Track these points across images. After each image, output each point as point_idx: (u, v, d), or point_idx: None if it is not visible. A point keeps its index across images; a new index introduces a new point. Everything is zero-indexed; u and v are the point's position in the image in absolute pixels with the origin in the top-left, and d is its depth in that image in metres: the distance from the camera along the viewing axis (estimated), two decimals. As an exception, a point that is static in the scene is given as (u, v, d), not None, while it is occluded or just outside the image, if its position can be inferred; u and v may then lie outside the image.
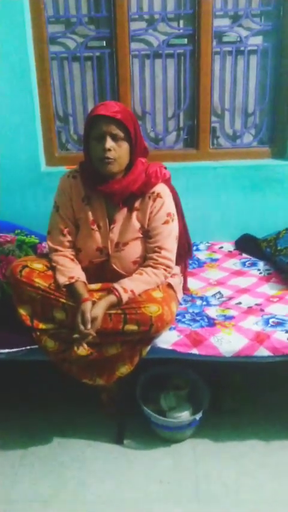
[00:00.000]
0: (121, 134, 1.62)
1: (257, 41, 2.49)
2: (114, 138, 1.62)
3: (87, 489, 1.71)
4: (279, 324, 1.79)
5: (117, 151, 1.63)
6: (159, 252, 1.75)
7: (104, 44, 2.48)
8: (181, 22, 2.48)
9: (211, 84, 2.52)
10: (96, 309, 1.63)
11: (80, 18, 2.45)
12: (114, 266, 1.79)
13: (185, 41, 2.47)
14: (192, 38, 2.46)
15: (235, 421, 1.99)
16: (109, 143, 1.61)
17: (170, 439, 1.91)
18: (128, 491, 1.70)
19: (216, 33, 2.45)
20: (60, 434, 1.95)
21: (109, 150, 1.61)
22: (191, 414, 1.89)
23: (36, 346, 1.75)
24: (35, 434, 1.96)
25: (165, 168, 1.81)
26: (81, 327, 1.60)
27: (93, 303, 1.65)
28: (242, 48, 2.49)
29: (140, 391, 1.96)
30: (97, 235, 1.78)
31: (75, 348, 1.65)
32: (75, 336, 1.62)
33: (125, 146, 1.65)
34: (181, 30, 2.48)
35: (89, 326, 1.60)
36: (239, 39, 2.48)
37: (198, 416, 1.85)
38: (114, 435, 1.92)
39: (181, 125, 2.66)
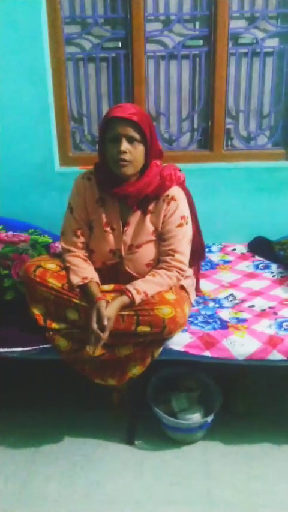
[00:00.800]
0: (137, 136, 1.62)
1: (273, 42, 2.48)
2: (130, 140, 1.62)
3: (97, 489, 1.72)
4: (293, 327, 1.78)
5: (133, 153, 1.63)
6: (173, 255, 1.74)
7: (120, 45, 2.49)
8: (197, 23, 2.48)
9: (226, 86, 2.51)
10: (109, 309, 1.63)
11: (96, 19, 2.46)
12: (127, 268, 1.79)
13: (201, 42, 2.47)
14: (208, 40, 2.46)
15: (247, 424, 1.98)
16: (124, 145, 1.61)
17: (181, 441, 1.91)
18: (138, 492, 1.71)
19: (232, 35, 2.45)
20: (71, 434, 1.96)
21: (124, 152, 1.61)
22: (203, 416, 1.89)
23: (49, 345, 1.76)
24: (46, 433, 1.97)
25: (180, 170, 1.80)
26: (95, 326, 1.60)
27: (107, 302, 1.66)
28: (258, 50, 2.48)
29: (152, 392, 1.96)
30: (110, 237, 1.78)
31: (88, 349, 1.64)
32: (92, 341, 1.62)
33: (140, 148, 1.65)
34: (197, 32, 2.47)
35: (105, 322, 1.59)
36: (255, 41, 2.46)
37: (209, 419, 1.85)
38: (125, 436, 1.92)
39: (195, 126, 2.65)
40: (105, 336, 1.60)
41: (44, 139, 2.54)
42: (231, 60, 2.50)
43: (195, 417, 1.88)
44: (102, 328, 1.60)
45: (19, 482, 1.76)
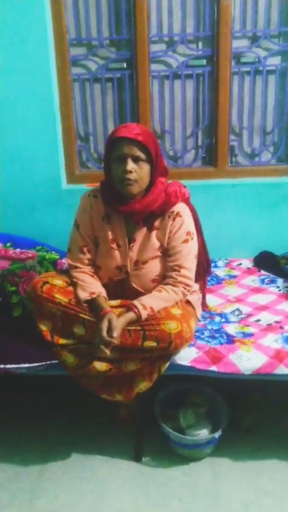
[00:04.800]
0: (142, 156, 1.64)
1: (275, 61, 2.53)
2: (136, 159, 1.64)
3: (105, 506, 1.71)
4: (299, 342, 1.78)
5: (138, 172, 1.66)
6: (179, 271, 1.76)
7: (125, 66, 2.55)
8: (200, 44, 2.54)
9: (229, 104, 2.56)
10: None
11: (101, 41, 2.53)
12: (133, 284, 1.81)
13: (204, 62, 2.52)
14: (211, 59, 2.51)
15: (255, 440, 1.97)
16: (130, 165, 1.63)
17: (188, 457, 1.89)
18: (146, 508, 1.69)
19: (234, 54, 2.50)
20: (79, 450, 1.96)
21: (130, 171, 1.63)
22: (210, 432, 1.88)
23: (56, 361, 1.77)
24: (54, 449, 1.96)
25: (185, 187, 1.83)
26: (104, 334, 1.61)
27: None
28: (261, 69, 2.53)
29: (159, 408, 1.96)
30: (116, 253, 1.80)
31: (98, 353, 1.64)
32: (100, 345, 1.62)
33: (145, 167, 1.67)
34: (200, 52, 2.53)
35: (115, 334, 1.61)
36: (257, 60, 2.51)
37: (217, 435, 1.84)
38: (132, 452, 1.91)
39: (199, 143, 2.69)
40: (115, 341, 1.61)
41: (51, 157, 2.59)
42: (234, 79, 2.55)
43: (203, 433, 1.87)
44: (110, 339, 1.61)
45: (26, 498, 1.75)
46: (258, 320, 1.99)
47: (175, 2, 2.46)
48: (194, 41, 2.54)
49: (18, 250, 2.24)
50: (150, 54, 2.51)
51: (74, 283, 1.79)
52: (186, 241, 1.77)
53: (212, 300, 2.17)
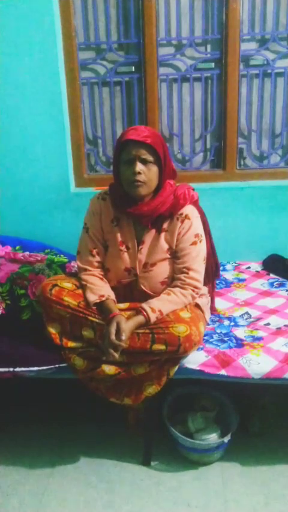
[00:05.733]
0: (151, 158, 1.65)
1: (284, 63, 2.52)
2: (144, 161, 1.65)
3: (113, 510, 1.70)
4: (309, 345, 1.77)
5: (147, 174, 1.66)
6: (187, 273, 1.76)
7: (133, 69, 2.55)
8: (208, 47, 2.53)
9: (238, 106, 2.55)
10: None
11: (109, 45, 2.53)
12: (142, 286, 1.81)
13: (212, 65, 2.52)
14: (220, 62, 2.51)
15: (265, 444, 1.96)
16: (139, 167, 1.64)
17: (197, 462, 1.88)
18: (155, 513, 1.69)
19: (243, 57, 2.49)
20: (88, 454, 1.96)
21: (139, 173, 1.64)
22: (219, 437, 1.87)
23: (65, 365, 1.77)
24: (63, 454, 1.96)
25: (193, 189, 1.82)
26: (113, 337, 1.60)
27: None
28: (269, 71, 2.52)
29: (167, 412, 1.95)
30: (125, 256, 1.80)
31: (107, 357, 1.64)
32: (109, 348, 1.62)
33: (154, 169, 1.68)
34: (208, 55, 2.52)
35: (123, 337, 1.60)
36: (265, 62, 2.51)
37: (226, 439, 1.83)
38: (141, 456, 1.91)
39: (208, 146, 2.69)
40: (124, 344, 1.61)
41: (59, 161, 2.60)
42: (242, 82, 2.54)
43: (212, 437, 1.86)
44: (119, 341, 1.61)
45: (35, 502, 1.75)
46: (268, 324, 1.97)
47: (183, 5, 2.46)
48: (203, 44, 2.53)
49: (27, 253, 2.25)
50: (158, 58, 2.51)
51: (83, 286, 1.79)
52: (194, 243, 1.76)
53: (220, 304, 2.16)
